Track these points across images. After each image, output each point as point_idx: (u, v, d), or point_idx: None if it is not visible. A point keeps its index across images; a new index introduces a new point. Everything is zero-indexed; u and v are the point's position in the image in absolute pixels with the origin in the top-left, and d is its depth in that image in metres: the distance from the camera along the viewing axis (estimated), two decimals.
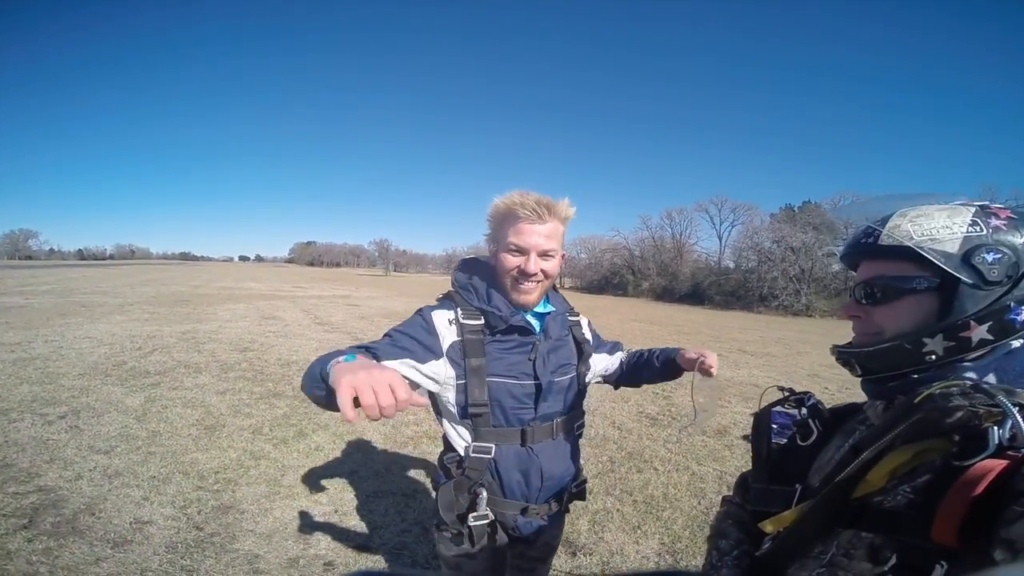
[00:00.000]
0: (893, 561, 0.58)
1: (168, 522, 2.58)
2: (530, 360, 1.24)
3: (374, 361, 0.95)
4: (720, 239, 40.95)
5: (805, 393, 0.90)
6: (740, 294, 28.98)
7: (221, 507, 2.76)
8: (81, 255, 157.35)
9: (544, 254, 1.18)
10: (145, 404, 4.45)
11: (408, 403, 0.78)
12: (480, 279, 1.26)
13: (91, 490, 2.86)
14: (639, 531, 2.68)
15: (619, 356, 1.57)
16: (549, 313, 1.30)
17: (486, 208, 1.23)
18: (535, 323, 1.28)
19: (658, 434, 4.31)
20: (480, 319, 1.22)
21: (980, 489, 0.51)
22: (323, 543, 2.47)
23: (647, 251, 41.33)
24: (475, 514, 1.23)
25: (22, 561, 2.21)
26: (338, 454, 3.59)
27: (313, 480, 3.15)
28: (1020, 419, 0.53)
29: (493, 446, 1.23)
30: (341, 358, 0.90)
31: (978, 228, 0.63)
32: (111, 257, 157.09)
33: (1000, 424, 0.53)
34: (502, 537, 1.32)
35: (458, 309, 1.22)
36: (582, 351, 1.39)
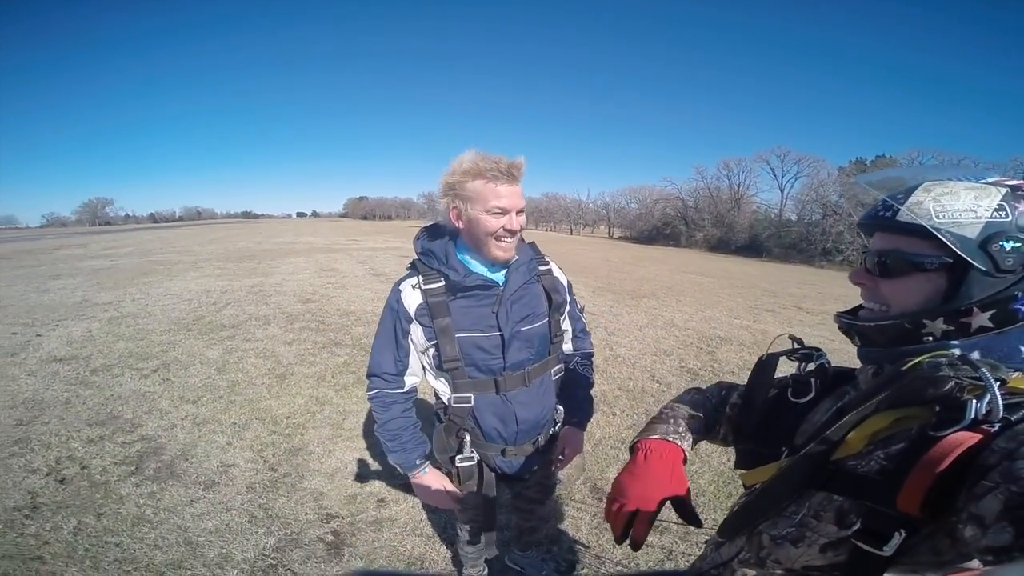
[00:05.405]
0: (857, 526, 0.60)
1: (248, 464, 2.89)
2: (493, 312, 1.31)
3: (427, 474, 1.45)
4: (782, 191, 38.18)
5: (816, 349, 0.89)
6: (802, 247, 27.40)
7: (292, 449, 3.08)
8: (153, 218, 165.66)
9: (519, 211, 1.25)
10: (223, 356, 4.85)
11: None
12: (440, 244, 1.32)
13: (184, 437, 3.20)
14: None
15: (577, 345, 1.61)
16: (511, 264, 1.33)
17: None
18: (498, 276, 1.33)
19: None
20: (441, 281, 1.30)
21: (947, 463, 0.53)
22: (376, 482, 2.73)
23: (702, 201, 39.51)
24: (462, 455, 1.40)
25: (132, 505, 2.48)
26: None
27: (369, 424, 3.38)
28: (999, 394, 0.54)
29: (472, 395, 1.35)
30: (413, 472, 1.45)
31: (1003, 213, 0.60)
32: (180, 219, 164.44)
33: (980, 398, 0.55)
34: (491, 476, 1.47)
35: (419, 276, 1.32)
36: (551, 300, 1.42)
